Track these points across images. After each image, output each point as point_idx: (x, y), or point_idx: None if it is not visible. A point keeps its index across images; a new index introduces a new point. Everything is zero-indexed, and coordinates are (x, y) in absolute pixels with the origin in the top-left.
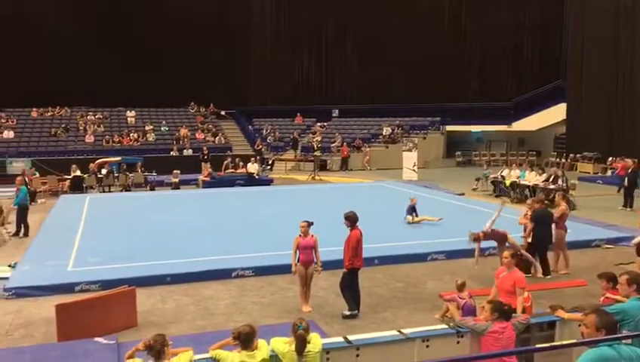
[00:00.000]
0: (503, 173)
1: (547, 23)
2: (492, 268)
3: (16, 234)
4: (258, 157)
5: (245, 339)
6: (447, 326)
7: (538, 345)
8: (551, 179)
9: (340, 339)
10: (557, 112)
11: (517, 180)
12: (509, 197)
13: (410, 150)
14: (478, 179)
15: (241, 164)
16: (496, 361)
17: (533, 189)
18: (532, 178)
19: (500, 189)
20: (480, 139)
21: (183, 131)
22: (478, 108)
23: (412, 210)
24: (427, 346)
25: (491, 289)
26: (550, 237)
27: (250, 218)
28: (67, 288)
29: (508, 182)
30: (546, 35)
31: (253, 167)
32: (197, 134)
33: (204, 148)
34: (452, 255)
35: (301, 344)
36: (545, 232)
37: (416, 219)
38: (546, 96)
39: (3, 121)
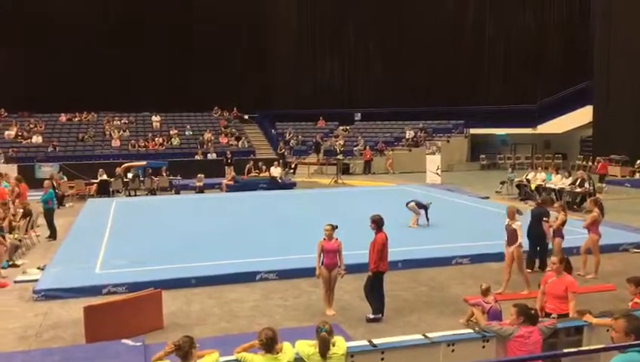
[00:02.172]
0: (528, 177)
1: (573, 23)
2: (518, 272)
3: (50, 237)
4: (281, 161)
5: (269, 343)
6: (472, 331)
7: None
8: (577, 183)
9: (365, 343)
10: (583, 114)
11: (543, 183)
12: (534, 200)
13: (433, 153)
14: (502, 183)
15: (264, 167)
16: None
17: (560, 193)
18: (558, 181)
19: (525, 193)
20: (505, 142)
21: (207, 135)
22: (502, 110)
23: (421, 206)
24: (452, 350)
25: (519, 293)
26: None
27: (273, 221)
28: (95, 290)
29: (533, 186)
30: (571, 35)
31: (276, 171)
32: (221, 138)
33: (228, 152)
34: (477, 259)
35: (324, 346)
36: (540, 229)
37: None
38: (572, 97)
39: (32, 126)
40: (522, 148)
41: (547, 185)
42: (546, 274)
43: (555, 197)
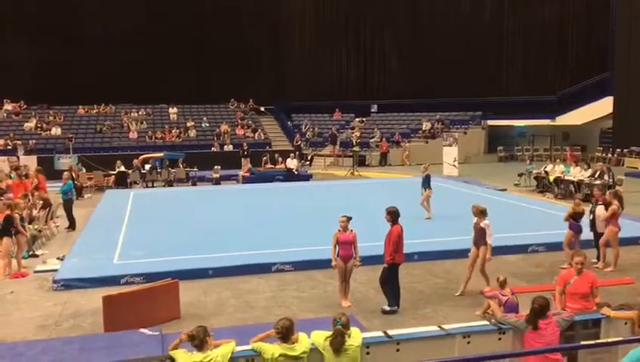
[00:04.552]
0: (546, 169)
1: (593, 13)
2: (535, 265)
3: (70, 227)
4: (297, 153)
5: (285, 333)
6: (488, 323)
7: (583, 342)
8: (597, 175)
9: (380, 334)
10: (603, 106)
11: (561, 176)
12: (552, 193)
13: (450, 145)
14: (520, 175)
15: (280, 159)
16: (540, 358)
17: (578, 185)
18: (577, 173)
19: (543, 185)
20: (522, 134)
21: (224, 127)
22: (520, 102)
23: (426, 182)
24: (468, 342)
25: (534, 286)
26: None
27: (289, 213)
28: (113, 280)
29: (552, 178)
30: (591, 25)
31: (292, 163)
32: (237, 130)
33: (244, 144)
34: (493, 251)
35: (339, 339)
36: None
37: (426, 192)
38: (591, 88)
39: (51, 118)
40: (540, 140)
41: (566, 178)
42: (563, 274)
43: (573, 189)
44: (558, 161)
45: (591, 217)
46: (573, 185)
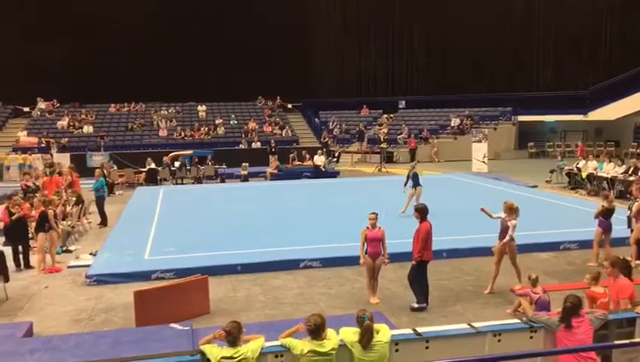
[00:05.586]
0: (579, 165)
1: (627, 5)
2: (568, 262)
3: (101, 224)
4: (324, 150)
5: (316, 329)
6: (519, 321)
7: (617, 342)
8: (631, 171)
9: (409, 331)
10: (638, 100)
11: (594, 172)
12: (585, 189)
13: (479, 141)
14: (552, 171)
15: (307, 156)
16: (573, 357)
17: (612, 181)
18: (611, 169)
19: (575, 182)
20: (554, 130)
21: (252, 124)
22: (551, 97)
23: (410, 178)
24: (499, 340)
25: (566, 284)
26: None
27: (317, 210)
28: (144, 276)
29: (584, 174)
30: (625, 17)
31: (319, 160)
32: (265, 127)
33: (272, 141)
34: (524, 249)
35: (369, 334)
36: None
37: (417, 190)
38: (625, 83)
39: (83, 116)
40: (572, 136)
41: (599, 174)
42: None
43: (607, 186)
44: (590, 156)
45: (628, 213)
46: (607, 182)
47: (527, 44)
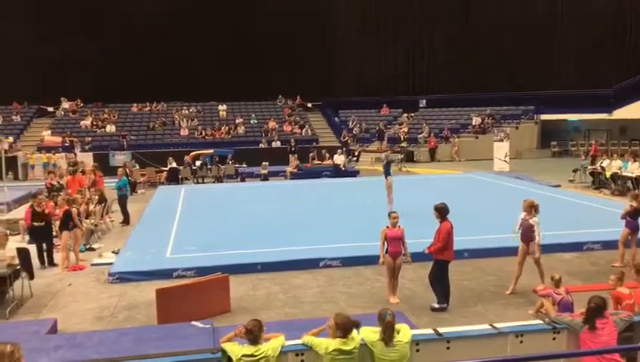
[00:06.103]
0: (603, 164)
1: None
2: (591, 263)
3: (124, 222)
4: (344, 149)
5: (344, 329)
6: (542, 322)
7: None
8: None
9: (430, 331)
10: None
11: (619, 171)
12: (609, 189)
13: (501, 140)
14: (575, 171)
15: (327, 155)
16: (596, 359)
17: (637, 181)
18: (635, 169)
19: (599, 181)
20: (577, 128)
21: (272, 124)
22: (575, 95)
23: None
24: (521, 342)
25: (590, 285)
26: None
27: (336, 209)
28: (165, 274)
29: (608, 174)
30: None
31: (339, 159)
32: (285, 126)
33: (292, 140)
34: (547, 249)
35: (390, 331)
36: None
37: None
38: None
39: (106, 115)
40: (596, 135)
41: (623, 173)
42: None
43: (632, 185)
44: (615, 156)
45: None
46: (632, 181)
47: (549, 42)
